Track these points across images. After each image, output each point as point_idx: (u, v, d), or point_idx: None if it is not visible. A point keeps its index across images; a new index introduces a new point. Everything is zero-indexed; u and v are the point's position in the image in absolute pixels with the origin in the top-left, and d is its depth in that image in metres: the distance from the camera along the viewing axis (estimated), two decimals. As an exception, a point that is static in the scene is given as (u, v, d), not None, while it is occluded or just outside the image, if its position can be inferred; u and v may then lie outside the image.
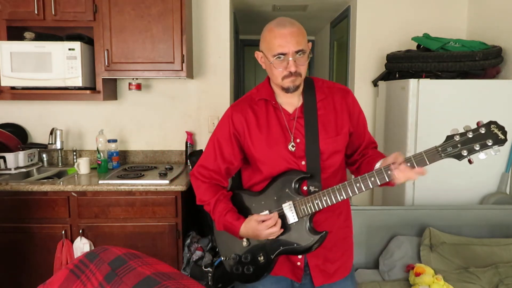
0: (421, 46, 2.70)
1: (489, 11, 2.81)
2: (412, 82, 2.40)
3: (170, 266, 0.72)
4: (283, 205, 1.29)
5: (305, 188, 1.31)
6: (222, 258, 1.43)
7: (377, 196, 3.06)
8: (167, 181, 2.38)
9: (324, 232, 1.27)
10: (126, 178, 2.44)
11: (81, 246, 2.34)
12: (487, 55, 2.45)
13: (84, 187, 2.33)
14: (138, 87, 2.81)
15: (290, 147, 1.31)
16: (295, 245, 1.29)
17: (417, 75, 2.55)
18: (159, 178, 2.45)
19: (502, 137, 1.10)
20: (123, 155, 2.99)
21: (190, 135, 2.95)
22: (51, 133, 2.80)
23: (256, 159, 1.34)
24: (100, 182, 2.37)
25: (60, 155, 2.89)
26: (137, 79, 2.81)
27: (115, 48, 2.57)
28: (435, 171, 2.44)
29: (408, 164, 1.16)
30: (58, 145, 2.82)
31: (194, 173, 1.43)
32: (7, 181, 2.40)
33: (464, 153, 1.12)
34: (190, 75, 2.78)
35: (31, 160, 2.79)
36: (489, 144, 1.10)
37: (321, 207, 1.25)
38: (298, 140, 1.32)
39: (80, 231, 2.35)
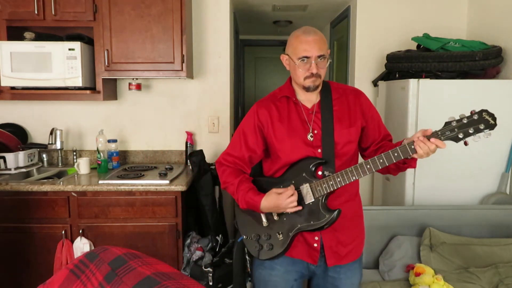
0: (421, 46, 2.70)
1: (489, 11, 2.81)
2: (412, 82, 2.40)
3: (170, 266, 0.72)
4: (301, 187, 1.43)
5: (320, 173, 1.45)
6: (244, 237, 1.56)
7: (377, 196, 3.06)
8: (167, 181, 2.38)
9: (337, 210, 1.41)
10: (126, 178, 2.44)
11: (81, 246, 2.34)
12: (487, 55, 2.45)
13: (84, 187, 2.33)
14: (138, 87, 2.81)
15: (309, 137, 1.47)
16: (312, 222, 1.42)
17: (417, 75, 2.55)
18: (159, 178, 2.45)
19: (492, 122, 1.27)
20: (123, 155, 2.99)
21: (190, 135, 2.95)
22: (51, 133, 2.80)
23: (277, 149, 1.50)
24: (100, 182, 2.37)
25: (60, 155, 2.89)
26: (137, 79, 2.81)
27: (115, 48, 2.57)
28: (435, 171, 2.45)
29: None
30: (58, 145, 2.82)
31: (220, 160, 1.59)
32: (7, 181, 2.40)
33: (461, 135, 1.28)
34: (190, 75, 2.78)
35: (31, 160, 2.79)
36: (481, 128, 1.27)
37: (335, 188, 1.39)
38: (315, 132, 1.48)
39: (80, 231, 2.35)
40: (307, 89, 1.47)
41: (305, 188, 1.42)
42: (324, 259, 1.51)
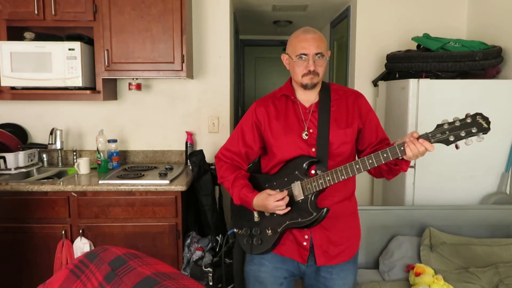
0: (421, 46, 2.70)
1: (489, 11, 2.81)
2: (412, 82, 2.40)
3: (170, 266, 0.72)
4: (292, 185, 1.45)
5: (313, 172, 1.46)
6: (235, 230, 1.61)
7: (377, 196, 3.06)
8: (167, 181, 2.38)
9: (325, 208, 1.42)
10: (126, 178, 2.44)
11: (81, 246, 2.34)
12: (487, 55, 2.45)
13: (84, 187, 2.33)
14: (138, 87, 2.81)
15: (304, 135, 1.49)
16: (299, 219, 1.44)
17: (417, 75, 2.55)
18: (159, 178, 2.45)
19: (486, 125, 1.23)
20: (123, 155, 2.99)
21: (190, 135, 2.95)
22: (51, 133, 2.80)
23: (272, 145, 1.53)
24: (100, 182, 2.37)
25: (60, 155, 2.89)
26: (137, 79, 2.81)
27: (115, 48, 2.57)
28: (435, 171, 2.45)
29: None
30: (58, 145, 2.82)
31: (218, 155, 1.63)
32: (7, 181, 2.40)
33: (451, 138, 1.25)
34: (190, 75, 2.78)
35: (31, 160, 2.79)
36: (474, 131, 1.23)
37: (324, 186, 1.40)
38: (311, 131, 1.49)
39: (80, 231, 2.35)
40: (305, 86, 1.48)
41: (296, 185, 1.44)
42: (314, 258, 1.52)
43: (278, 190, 1.46)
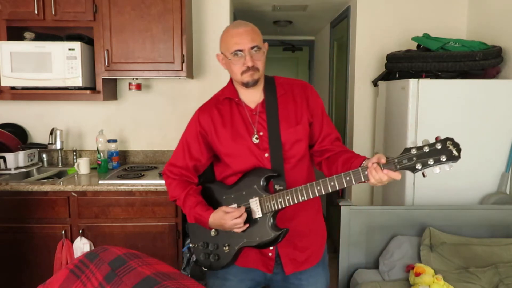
0: (421, 46, 2.70)
1: (489, 11, 2.81)
2: (412, 82, 2.40)
3: (170, 266, 0.72)
4: (250, 200, 1.37)
5: (273, 186, 1.39)
6: (191, 245, 1.52)
7: (377, 196, 3.06)
8: (167, 181, 2.37)
9: (284, 229, 1.35)
10: (126, 178, 2.44)
11: (81, 246, 2.34)
12: (487, 55, 2.45)
13: (84, 187, 2.33)
14: (138, 87, 2.81)
15: (254, 139, 1.40)
16: (257, 239, 1.37)
17: (417, 75, 2.55)
18: (159, 178, 2.45)
19: (456, 154, 1.14)
20: (123, 155, 2.99)
21: (190, 135, 2.95)
22: (51, 133, 2.80)
23: (223, 154, 1.44)
24: (100, 182, 2.37)
25: (60, 155, 2.89)
26: (137, 79, 2.81)
27: (115, 48, 2.57)
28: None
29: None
30: (58, 145, 2.82)
31: (165, 171, 1.52)
32: (7, 181, 2.40)
33: (418, 166, 1.17)
34: (190, 75, 2.78)
35: (31, 160, 2.79)
36: (443, 159, 1.15)
37: (283, 206, 1.33)
38: (261, 133, 1.41)
39: (80, 231, 2.35)
40: (246, 84, 1.39)
41: (254, 202, 1.36)
42: (281, 267, 1.46)
43: (236, 205, 1.38)
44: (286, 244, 1.42)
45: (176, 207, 2.36)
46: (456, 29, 3.07)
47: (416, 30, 2.93)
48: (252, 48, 1.36)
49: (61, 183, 2.38)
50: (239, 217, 1.33)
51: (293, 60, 5.50)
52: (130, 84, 2.80)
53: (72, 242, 2.37)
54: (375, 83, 3.12)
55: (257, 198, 1.36)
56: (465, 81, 2.45)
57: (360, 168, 1.23)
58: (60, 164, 2.89)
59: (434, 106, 2.40)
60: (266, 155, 1.40)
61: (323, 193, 1.28)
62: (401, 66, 2.65)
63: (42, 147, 2.83)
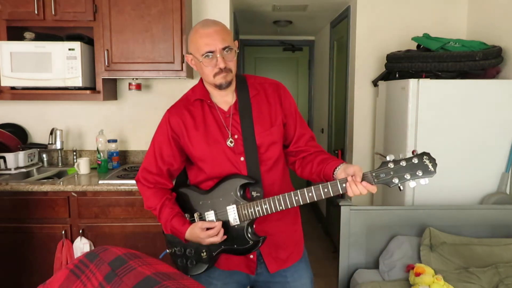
0: (421, 46, 2.70)
1: (489, 11, 2.81)
2: (412, 82, 2.40)
3: (170, 266, 0.72)
4: (227, 208, 1.35)
5: (249, 192, 1.37)
6: (168, 251, 1.48)
7: (377, 196, 3.06)
8: (167, 181, 2.37)
9: (262, 237, 1.36)
10: (126, 178, 2.44)
11: (81, 246, 2.34)
12: (487, 55, 2.45)
13: (84, 187, 2.33)
14: (138, 87, 2.81)
15: (228, 143, 1.37)
16: (235, 246, 1.36)
17: (417, 75, 2.55)
18: (159, 178, 2.45)
19: (432, 169, 1.18)
20: (123, 155, 2.99)
21: (190, 135, 2.95)
22: (51, 133, 2.80)
23: (197, 158, 1.40)
24: (100, 182, 2.37)
25: (60, 155, 2.89)
26: (137, 79, 2.81)
27: (115, 48, 2.57)
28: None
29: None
30: (58, 145, 2.82)
31: (139, 178, 1.48)
32: (7, 181, 2.40)
33: (395, 181, 1.20)
34: (190, 75, 2.78)
35: (31, 160, 2.79)
36: (419, 174, 1.18)
37: (261, 215, 1.32)
38: (236, 136, 1.37)
39: (80, 231, 2.35)
40: (219, 87, 1.35)
41: (232, 209, 1.34)
42: (265, 266, 1.45)
43: (213, 212, 1.36)
44: (268, 244, 1.42)
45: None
46: (456, 29, 3.07)
47: (416, 30, 2.93)
48: (223, 49, 1.31)
49: (61, 183, 2.38)
50: (216, 234, 1.32)
51: (293, 60, 5.51)
52: (130, 84, 2.80)
53: (72, 242, 2.37)
54: (375, 83, 3.12)
55: (234, 206, 1.34)
56: (465, 81, 2.45)
57: (338, 181, 1.24)
58: (60, 164, 2.89)
59: (434, 106, 2.40)
60: (242, 159, 1.37)
61: (301, 203, 1.28)
62: (401, 66, 2.65)
63: (42, 147, 2.83)
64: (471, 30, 3.03)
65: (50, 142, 2.80)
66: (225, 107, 1.41)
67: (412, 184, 1.20)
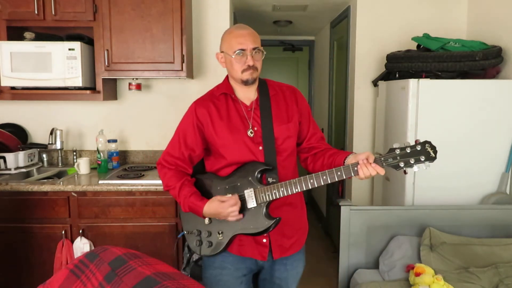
0: (421, 46, 2.70)
1: (489, 11, 2.81)
2: (412, 82, 2.40)
3: (170, 266, 0.72)
4: (245, 191, 1.46)
5: (266, 179, 1.49)
6: (185, 232, 1.59)
7: (377, 196, 3.06)
8: (167, 181, 2.37)
9: (277, 218, 1.46)
10: (126, 178, 2.44)
11: (81, 246, 2.34)
12: (487, 55, 2.45)
13: (84, 187, 2.33)
14: (138, 87, 2.81)
15: (248, 133, 1.50)
16: (251, 227, 1.46)
17: (417, 75, 2.55)
18: (159, 178, 2.45)
19: (433, 155, 1.33)
20: (123, 155, 2.99)
21: (190, 135, 2.95)
22: (51, 133, 2.80)
23: (219, 145, 1.52)
24: (100, 182, 2.37)
25: (60, 155, 2.89)
26: (137, 79, 2.81)
27: (115, 48, 2.57)
28: (435, 171, 2.45)
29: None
30: (58, 145, 2.82)
31: (161, 161, 1.60)
32: (7, 181, 2.40)
33: (401, 164, 1.35)
34: (190, 75, 2.78)
35: (31, 160, 2.79)
36: (422, 159, 1.33)
37: (277, 197, 1.43)
38: (255, 128, 1.52)
39: (80, 231, 2.35)
40: (245, 82, 1.50)
41: (249, 192, 1.45)
42: (271, 253, 1.56)
43: (230, 195, 1.46)
44: (276, 231, 1.52)
45: (176, 207, 2.36)
46: (456, 29, 3.07)
47: (416, 30, 2.93)
48: (253, 49, 1.47)
49: (61, 183, 2.38)
50: (235, 204, 1.41)
51: (293, 60, 5.50)
52: (130, 84, 2.80)
53: (72, 242, 2.37)
54: (375, 83, 3.12)
55: (251, 189, 1.45)
56: (465, 81, 2.45)
57: (350, 165, 1.38)
58: (60, 164, 2.89)
59: (434, 106, 2.40)
60: (260, 148, 1.50)
61: (316, 185, 1.40)
62: (401, 66, 2.65)
63: (42, 147, 2.83)
64: (471, 30, 3.04)
65: (50, 142, 2.80)
66: (247, 102, 1.55)
67: (415, 168, 1.34)
